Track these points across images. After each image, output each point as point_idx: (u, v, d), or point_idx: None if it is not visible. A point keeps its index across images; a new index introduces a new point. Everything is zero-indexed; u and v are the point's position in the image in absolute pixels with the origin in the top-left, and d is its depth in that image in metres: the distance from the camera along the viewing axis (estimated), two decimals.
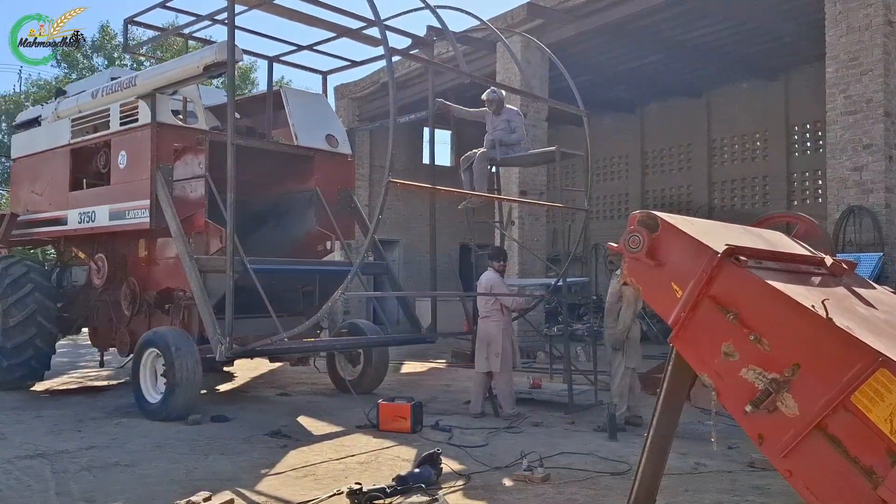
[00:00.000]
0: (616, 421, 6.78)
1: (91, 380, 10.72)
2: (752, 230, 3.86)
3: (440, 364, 12.90)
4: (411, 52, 9.91)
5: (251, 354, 8.35)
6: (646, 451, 3.51)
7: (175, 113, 8.73)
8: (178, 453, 6.03)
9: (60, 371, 11.23)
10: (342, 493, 4.69)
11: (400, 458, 5.92)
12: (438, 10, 8.57)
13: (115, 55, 25.91)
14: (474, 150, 9.00)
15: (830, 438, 2.57)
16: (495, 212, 10.51)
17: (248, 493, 4.91)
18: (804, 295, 2.81)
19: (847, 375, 2.52)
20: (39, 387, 9.64)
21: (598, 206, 19.35)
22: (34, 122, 10.60)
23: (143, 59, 21.77)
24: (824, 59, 9.70)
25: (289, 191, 9.62)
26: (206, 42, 9.48)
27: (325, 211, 9.08)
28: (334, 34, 9.49)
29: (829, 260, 3.40)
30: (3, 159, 24.40)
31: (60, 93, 10.60)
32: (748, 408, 2.74)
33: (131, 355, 8.25)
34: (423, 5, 8.32)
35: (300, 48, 10.05)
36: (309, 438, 6.72)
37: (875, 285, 3.59)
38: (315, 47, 9.96)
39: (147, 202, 8.09)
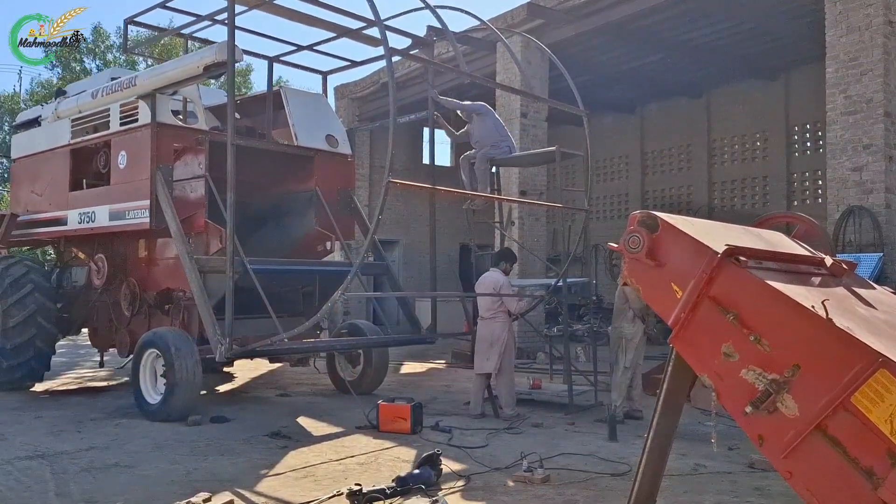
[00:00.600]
0: (615, 421, 6.77)
1: (91, 380, 10.72)
2: (752, 230, 3.86)
3: (440, 365, 12.90)
4: (411, 53, 9.91)
5: (251, 355, 8.35)
6: (646, 451, 3.51)
7: (175, 113, 8.72)
8: (178, 454, 6.02)
9: (60, 372, 11.23)
10: (342, 493, 4.69)
11: (400, 459, 5.91)
12: (438, 10, 8.57)
13: (109, 56, 25.91)
14: (474, 151, 8.99)
15: (830, 439, 2.56)
16: (495, 212, 10.51)
17: (247, 494, 4.91)
18: (804, 295, 2.80)
19: (847, 376, 2.52)
20: (39, 387, 9.64)
21: (598, 206, 19.34)
22: (34, 122, 10.60)
23: (140, 59, 21.78)
24: (824, 60, 9.70)
25: (289, 191, 9.61)
26: (206, 42, 9.48)
27: (325, 211, 9.08)
28: (334, 34, 9.49)
29: (829, 260, 3.40)
30: (3, 160, 24.42)
31: (60, 93, 10.60)
32: (748, 408, 2.73)
33: (131, 356, 8.25)
34: (423, 5, 8.31)
35: (300, 48, 10.04)
36: (309, 439, 6.72)
37: (875, 286, 3.58)
38: (315, 47, 9.96)
39: (147, 202, 8.08)
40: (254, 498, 4.85)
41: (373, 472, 5.52)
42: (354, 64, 10.64)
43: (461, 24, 17.10)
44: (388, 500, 4.66)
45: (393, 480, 4.90)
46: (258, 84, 27.31)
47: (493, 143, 8.74)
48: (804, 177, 15.91)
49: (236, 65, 7.81)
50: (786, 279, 2.97)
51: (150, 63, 17.36)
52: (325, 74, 10.72)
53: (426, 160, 13.13)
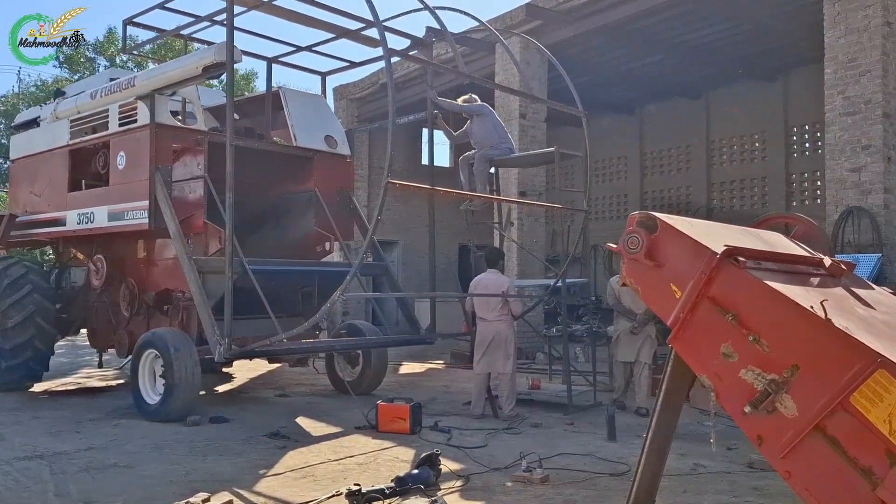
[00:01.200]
0: (614, 421, 6.77)
1: (90, 380, 10.72)
2: (750, 231, 3.87)
3: (439, 365, 12.89)
4: (410, 53, 9.90)
5: (250, 355, 8.34)
6: (645, 451, 3.51)
7: (174, 114, 8.72)
8: (177, 454, 6.02)
9: (59, 372, 11.22)
10: (341, 494, 4.69)
11: (399, 459, 5.92)
12: (437, 11, 8.57)
13: (118, 59, 25.91)
14: (472, 151, 8.99)
15: (829, 439, 2.57)
16: (494, 213, 10.51)
17: (246, 495, 4.91)
18: (803, 296, 2.81)
19: (846, 376, 2.52)
20: (38, 388, 9.63)
21: (597, 206, 19.33)
22: (33, 122, 10.58)
23: (141, 60, 21.74)
24: (823, 61, 9.70)
25: (288, 192, 9.61)
26: (206, 43, 9.48)
27: (324, 212, 9.08)
28: (333, 35, 9.49)
29: (827, 261, 3.40)
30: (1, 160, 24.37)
31: (59, 93, 10.59)
32: (747, 409, 2.74)
33: (130, 356, 8.24)
34: (421, 6, 8.32)
35: (299, 49, 10.05)
36: (308, 439, 6.72)
37: (874, 286, 3.59)
38: (314, 48, 9.97)
39: (146, 203, 8.08)
40: (253, 498, 4.85)
41: (372, 472, 5.52)
42: (353, 65, 10.65)
43: (460, 25, 17.07)
44: (387, 500, 4.66)
45: (392, 480, 4.90)
46: (261, 88, 27.23)
47: (493, 144, 8.74)
48: (803, 177, 15.91)
49: (240, 68, 7.82)
50: (785, 280, 2.97)
51: (154, 64, 17.32)
52: (324, 75, 10.73)
53: (425, 161, 13.13)
